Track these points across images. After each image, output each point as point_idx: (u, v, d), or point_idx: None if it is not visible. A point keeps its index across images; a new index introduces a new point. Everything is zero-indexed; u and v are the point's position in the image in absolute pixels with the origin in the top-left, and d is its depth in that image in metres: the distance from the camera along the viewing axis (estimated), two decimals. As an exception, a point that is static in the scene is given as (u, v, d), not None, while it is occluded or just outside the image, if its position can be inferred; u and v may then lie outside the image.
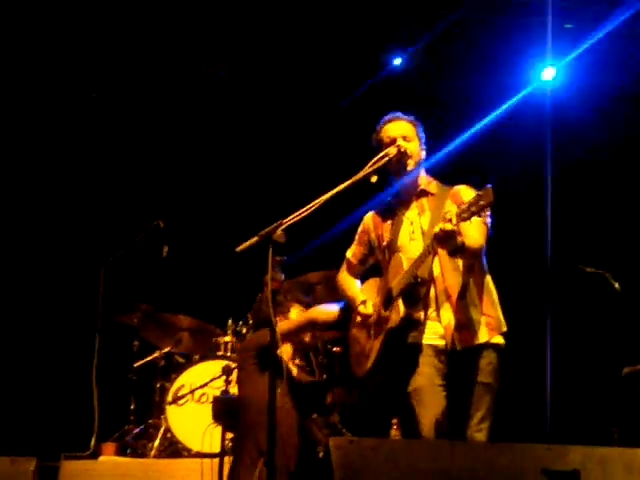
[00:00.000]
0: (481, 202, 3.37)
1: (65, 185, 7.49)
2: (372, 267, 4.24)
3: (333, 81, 7.41)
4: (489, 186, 3.37)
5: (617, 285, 5.27)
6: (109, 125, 7.54)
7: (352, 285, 4.23)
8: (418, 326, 3.78)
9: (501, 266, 4.01)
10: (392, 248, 3.99)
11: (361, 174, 3.76)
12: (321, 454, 5.30)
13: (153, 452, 5.85)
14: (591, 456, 2.89)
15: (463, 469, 2.80)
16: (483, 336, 3.78)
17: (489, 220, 3.84)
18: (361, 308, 4.02)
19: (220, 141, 7.66)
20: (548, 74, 6.82)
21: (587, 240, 6.68)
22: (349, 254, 4.28)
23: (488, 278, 3.94)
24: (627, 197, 6.84)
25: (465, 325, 3.78)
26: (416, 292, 3.78)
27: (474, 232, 3.71)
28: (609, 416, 5.26)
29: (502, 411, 3.83)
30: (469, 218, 3.43)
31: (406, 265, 3.79)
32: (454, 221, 3.44)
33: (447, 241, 3.52)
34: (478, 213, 3.40)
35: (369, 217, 4.22)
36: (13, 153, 7.23)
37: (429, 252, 3.67)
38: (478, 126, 6.55)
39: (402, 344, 3.81)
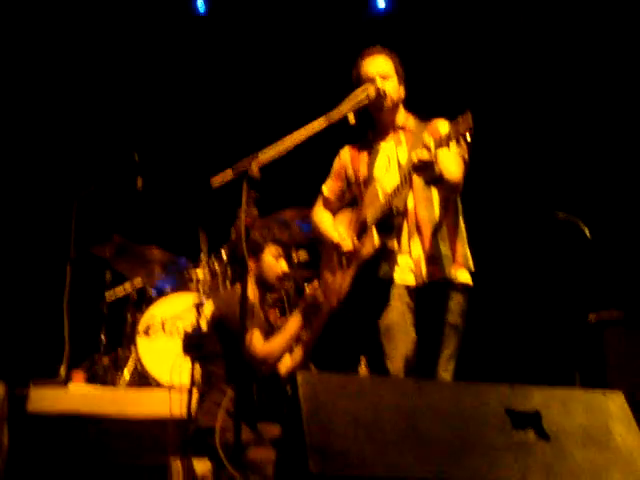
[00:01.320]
0: (460, 128, 3.36)
1: (38, 118, 7.39)
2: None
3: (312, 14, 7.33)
4: (468, 111, 3.36)
5: (588, 231, 5.31)
6: (83, 54, 7.42)
7: (326, 219, 4.22)
8: (391, 256, 3.81)
9: (474, 209, 4.03)
10: (368, 180, 4.01)
11: (338, 113, 3.72)
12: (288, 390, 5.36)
13: (122, 382, 5.90)
14: (553, 397, 2.94)
15: (429, 407, 2.84)
16: (451, 270, 3.82)
17: (467, 157, 3.86)
18: (338, 239, 4.02)
19: (196, 72, 7.57)
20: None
21: (560, 186, 6.72)
22: (325, 189, 4.27)
23: (460, 218, 3.97)
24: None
25: (434, 259, 3.81)
26: (391, 222, 3.80)
27: (452, 165, 3.73)
28: (573, 360, 5.35)
29: (469, 351, 3.89)
30: (446, 144, 3.43)
31: (382, 196, 3.79)
32: (432, 147, 3.44)
33: (424, 169, 3.53)
34: (457, 138, 3.40)
35: (345, 151, 4.21)
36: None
37: (405, 182, 3.67)
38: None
39: (374, 276, 3.84)
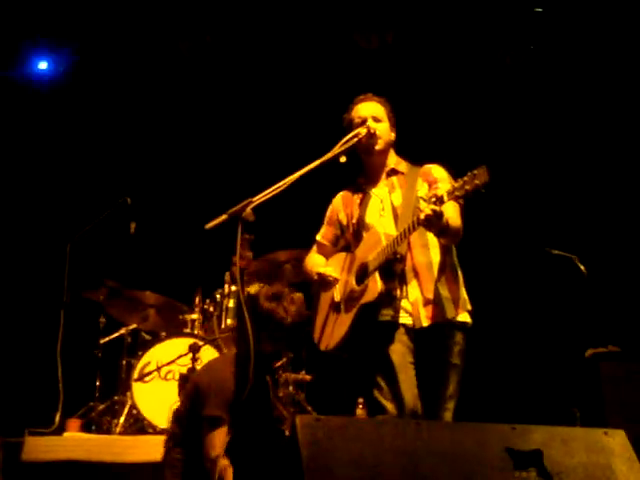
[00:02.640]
0: (476, 181, 3.34)
1: (32, 162, 7.41)
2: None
3: (305, 59, 7.39)
4: (484, 166, 3.36)
5: (583, 268, 5.33)
6: (77, 102, 7.46)
7: (317, 260, 4.23)
8: (393, 302, 3.81)
9: (469, 247, 4.03)
10: (361, 225, 4.02)
11: (331, 154, 3.76)
12: (287, 432, 5.32)
13: (118, 429, 5.84)
14: (554, 436, 2.93)
15: (429, 448, 2.82)
16: (450, 312, 3.82)
17: (462, 202, 3.87)
18: (321, 269, 4.03)
19: (189, 118, 7.61)
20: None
21: (555, 224, 6.75)
22: (318, 236, 4.29)
23: (455, 258, 3.98)
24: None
25: (432, 301, 3.81)
26: (394, 268, 3.80)
27: (452, 212, 3.74)
28: (572, 397, 5.33)
29: (468, 391, 3.87)
30: (461, 197, 3.42)
31: (385, 241, 3.80)
32: (445, 199, 3.43)
33: (435, 222, 3.52)
34: (471, 193, 3.38)
35: (338, 197, 4.25)
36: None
37: (410, 232, 3.67)
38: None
39: (374, 320, 3.83)
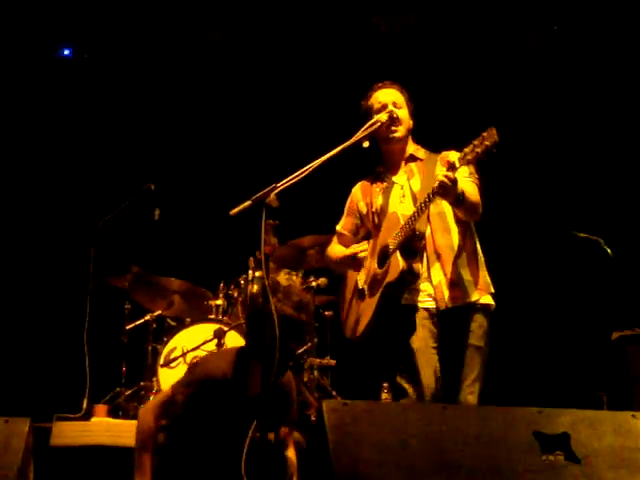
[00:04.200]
0: (486, 142, 3.35)
1: (57, 148, 7.44)
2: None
3: (325, 44, 7.37)
4: (492, 127, 3.35)
5: (610, 251, 5.29)
6: (103, 87, 7.48)
7: (339, 249, 4.23)
8: (417, 279, 3.80)
9: (495, 230, 4.02)
10: (382, 213, 4.02)
11: (353, 139, 3.76)
12: (313, 417, 5.34)
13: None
14: (581, 419, 2.92)
15: (455, 432, 2.82)
16: (472, 294, 3.82)
17: (478, 182, 3.87)
18: (355, 246, 4.02)
19: (214, 103, 7.61)
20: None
21: (581, 206, 6.70)
22: (338, 227, 4.29)
23: (477, 241, 3.97)
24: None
25: (456, 283, 3.81)
26: (414, 245, 3.79)
27: (469, 187, 3.74)
28: (599, 380, 5.31)
29: (494, 374, 3.86)
30: (473, 161, 3.43)
31: (402, 220, 3.79)
32: (457, 164, 3.43)
33: (449, 189, 3.52)
34: (483, 154, 3.37)
35: (357, 187, 4.24)
36: (4, 114, 7.17)
37: (425, 205, 3.66)
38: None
39: (398, 303, 3.83)
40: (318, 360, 6.23)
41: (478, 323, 3.83)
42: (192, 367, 3.65)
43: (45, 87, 7.32)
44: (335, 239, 4.30)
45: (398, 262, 3.75)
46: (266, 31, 7.35)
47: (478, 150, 3.37)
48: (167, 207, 6.48)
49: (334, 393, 6.11)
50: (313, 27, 7.28)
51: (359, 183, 4.23)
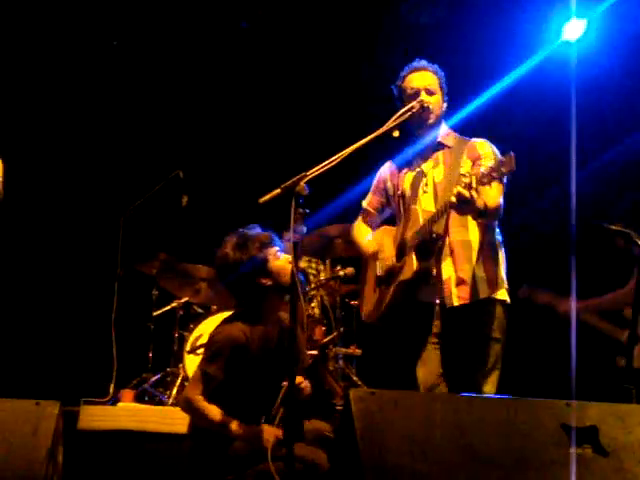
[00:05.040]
0: (502, 169, 3.37)
1: (86, 135, 7.48)
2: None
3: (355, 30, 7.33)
4: (512, 154, 3.36)
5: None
6: (130, 74, 7.50)
7: (364, 233, 4.26)
8: (430, 280, 3.81)
9: (524, 226, 4.00)
10: (406, 199, 4.03)
11: (384, 128, 3.75)
12: (339, 406, 5.35)
13: (171, 400, 5.92)
14: (610, 412, 2.91)
15: (482, 423, 2.82)
16: (484, 292, 3.81)
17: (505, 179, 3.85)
18: (381, 256, 4.05)
19: (243, 91, 7.61)
20: (574, 28, 6.56)
21: (612, 200, 6.62)
22: (365, 203, 4.31)
23: (497, 237, 3.95)
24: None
25: (465, 281, 3.80)
26: (430, 247, 3.81)
27: (492, 191, 3.69)
28: (627, 374, 5.26)
29: (522, 367, 3.85)
30: (489, 183, 3.42)
31: (422, 219, 3.79)
32: (474, 185, 3.42)
33: (464, 207, 3.51)
34: (499, 179, 3.40)
35: (386, 166, 4.24)
36: (35, 101, 7.21)
37: (445, 211, 3.66)
38: (499, 85, 6.44)
39: (412, 298, 3.86)
40: (344, 349, 6.24)
41: (492, 315, 3.82)
42: (211, 343, 3.68)
43: (75, 72, 7.34)
44: (361, 217, 4.32)
45: (413, 262, 3.79)
46: (294, 16, 7.31)
47: (494, 174, 3.39)
48: (195, 194, 6.51)
49: (360, 382, 6.12)
50: (340, 13, 7.23)
51: (388, 162, 4.24)
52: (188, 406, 3.64)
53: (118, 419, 5.22)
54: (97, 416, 5.16)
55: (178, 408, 5.55)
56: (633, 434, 2.84)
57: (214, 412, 3.56)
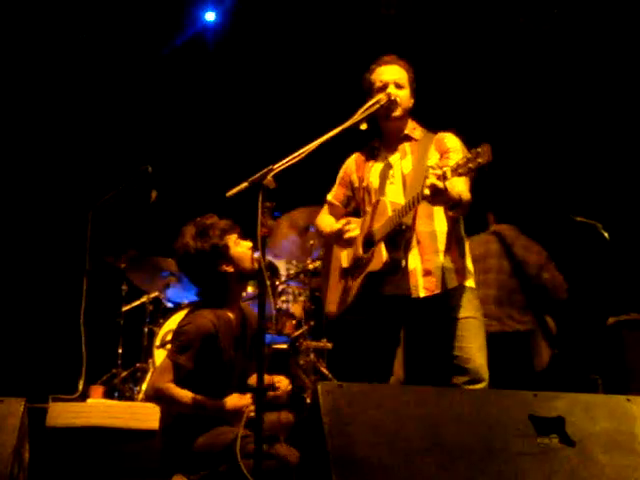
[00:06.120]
0: (479, 160, 3.32)
1: (54, 129, 7.42)
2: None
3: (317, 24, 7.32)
4: (487, 145, 3.34)
5: (607, 235, 5.29)
6: (98, 68, 7.44)
7: (328, 220, 4.22)
8: (399, 271, 3.80)
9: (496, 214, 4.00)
10: (372, 191, 4.01)
11: (351, 121, 3.75)
12: (308, 399, 5.35)
13: (140, 396, 5.90)
14: (576, 403, 2.93)
15: (450, 414, 2.83)
16: (451, 282, 3.81)
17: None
18: (343, 224, 3.99)
19: (210, 87, 7.58)
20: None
21: (578, 190, 6.68)
22: (329, 196, 4.29)
23: (461, 228, 3.96)
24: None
25: (431, 272, 3.80)
26: (399, 238, 3.80)
27: (462, 185, 3.69)
28: (594, 365, 5.31)
29: (490, 359, 3.86)
30: (465, 174, 3.40)
31: (390, 211, 3.78)
32: (449, 176, 3.40)
33: (437, 198, 3.49)
34: (475, 170, 3.37)
35: (352, 159, 4.23)
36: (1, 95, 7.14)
37: (416, 203, 3.65)
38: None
39: (379, 290, 3.85)
40: (314, 343, 6.24)
41: (466, 299, 3.83)
42: (180, 333, 3.67)
43: (42, 65, 7.27)
44: (326, 209, 4.29)
45: (382, 254, 3.75)
46: (261, 12, 7.30)
47: (470, 165, 3.33)
48: (164, 189, 6.47)
49: (330, 376, 6.13)
50: (310, 6, 7.23)
51: (354, 155, 4.21)
52: (159, 395, 3.62)
53: (87, 416, 5.18)
54: (66, 413, 5.11)
55: (148, 404, 5.56)
56: (599, 424, 2.87)
57: (186, 395, 3.55)
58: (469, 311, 3.81)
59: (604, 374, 5.08)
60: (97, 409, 5.28)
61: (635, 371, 5.01)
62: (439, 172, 3.39)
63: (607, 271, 5.46)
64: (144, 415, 5.24)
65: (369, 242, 3.87)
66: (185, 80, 7.58)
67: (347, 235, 3.94)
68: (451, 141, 3.91)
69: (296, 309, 6.29)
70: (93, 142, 7.49)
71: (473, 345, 3.77)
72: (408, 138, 4.02)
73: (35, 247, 7.24)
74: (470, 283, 3.89)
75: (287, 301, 6.37)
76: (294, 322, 6.12)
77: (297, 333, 6.13)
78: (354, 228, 3.96)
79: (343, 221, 4.01)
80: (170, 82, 7.57)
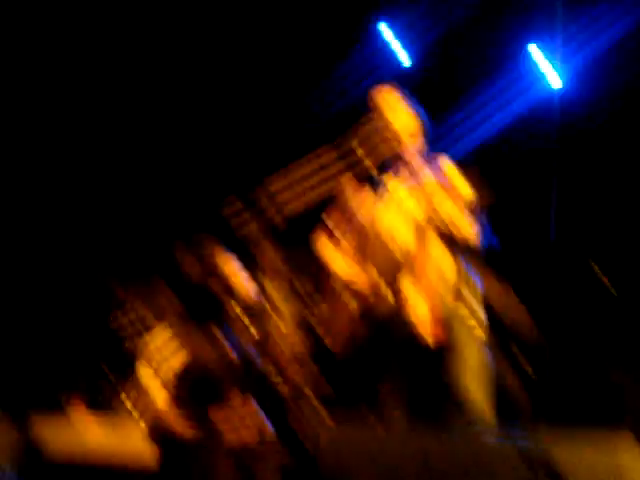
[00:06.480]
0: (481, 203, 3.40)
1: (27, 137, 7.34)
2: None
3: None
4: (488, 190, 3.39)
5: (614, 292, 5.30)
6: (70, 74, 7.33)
7: (331, 251, 4.17)
8: (406, 316, 3.78)
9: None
10: (370, 216, 3.99)
11: (349, 148, 3.78)
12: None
13: (123, 407, 5.87)
14: (562, 437, 2.95)
15: (450, 461, 2.85)
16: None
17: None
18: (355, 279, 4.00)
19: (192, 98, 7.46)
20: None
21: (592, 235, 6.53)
22: (326, 218, 4.21)
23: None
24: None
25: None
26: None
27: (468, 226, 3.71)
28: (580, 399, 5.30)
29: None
30: (471, 219, 3.47)
31: (394, 248, 3.80)
32: (458, 224, 3.48)
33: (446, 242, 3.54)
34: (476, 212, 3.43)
35: (348, 181, 4.17)
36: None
37: (421, 242, 3.69)
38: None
39: (390, 334, 3.83)
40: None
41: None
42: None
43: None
44: (323, 231, 4.18)
45: (389, 297, 3.78)
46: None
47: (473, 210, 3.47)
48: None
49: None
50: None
51: (351, 176, 4.09)
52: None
53: (68, 427, 5.16)
54: (47, 424, 5.09)
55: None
56: (585, 459, 2.88)
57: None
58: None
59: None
60: (78, 420, 5.25)
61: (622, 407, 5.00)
62: (448, 219, 3.54)
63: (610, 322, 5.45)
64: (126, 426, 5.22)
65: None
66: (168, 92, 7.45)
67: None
68: (453, 175, 3.89)
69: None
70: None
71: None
72: (408, 164, 3.99)
73: (23, 256, 7.16)
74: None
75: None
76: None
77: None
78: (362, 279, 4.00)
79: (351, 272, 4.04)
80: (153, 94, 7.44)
